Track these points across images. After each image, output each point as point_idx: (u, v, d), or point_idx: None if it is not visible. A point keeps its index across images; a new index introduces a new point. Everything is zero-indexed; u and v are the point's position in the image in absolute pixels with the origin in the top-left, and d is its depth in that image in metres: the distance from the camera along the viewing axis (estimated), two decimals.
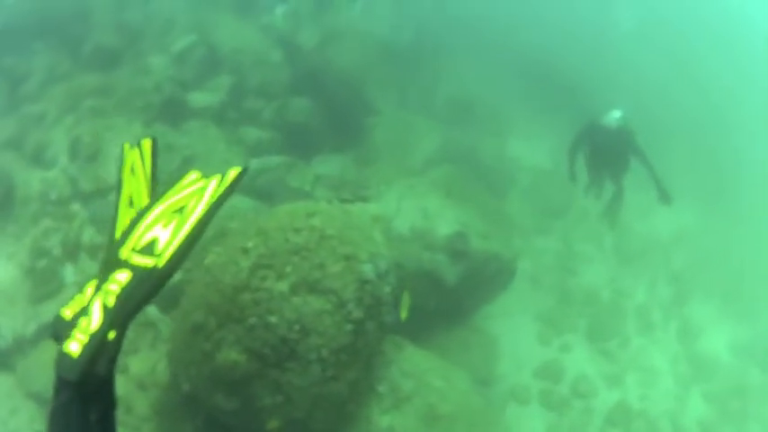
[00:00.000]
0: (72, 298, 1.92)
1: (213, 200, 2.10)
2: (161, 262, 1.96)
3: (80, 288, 1.93)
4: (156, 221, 2.09)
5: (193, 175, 2.25)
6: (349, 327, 7.24)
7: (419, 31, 18.52)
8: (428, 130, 14.80)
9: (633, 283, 14.49)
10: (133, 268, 1.97)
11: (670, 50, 19.44)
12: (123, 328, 1.90)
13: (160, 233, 2.05)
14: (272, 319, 7.01)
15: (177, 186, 2.21)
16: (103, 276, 1.98)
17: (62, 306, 1.92)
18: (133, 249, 2.04)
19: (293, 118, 13.09)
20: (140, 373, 8.34)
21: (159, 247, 2.00)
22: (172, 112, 12.35)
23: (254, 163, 11.86)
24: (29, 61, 12.62)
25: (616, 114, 10.77)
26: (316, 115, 13.42)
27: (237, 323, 7.10)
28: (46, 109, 11.91)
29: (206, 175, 2.24)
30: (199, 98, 12.89)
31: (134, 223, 2.12)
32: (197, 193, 2.15)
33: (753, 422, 12.73)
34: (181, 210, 2.10)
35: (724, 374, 13.47)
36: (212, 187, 2.15)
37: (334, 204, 9.84)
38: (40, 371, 9.18)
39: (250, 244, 7.54)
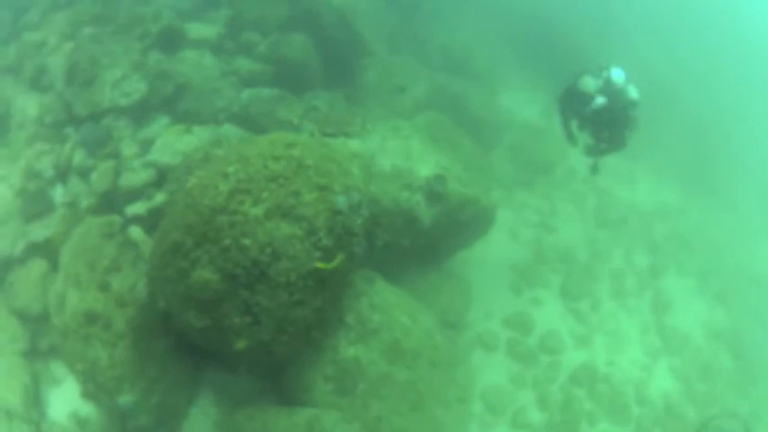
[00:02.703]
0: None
1: None
2: None
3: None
4: None
5: None
6: (318, 254, 7.54)
7: None
8: (419, 76, 14.82)
9: (610, 247, 14.57)
10: None
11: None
12: None
13: None
14: (246, 241, 7.32)
15: None
16: None
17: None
18: None
19: (288, 53, 13.19)
20: (121, 291, 8.59)
21: None
22: (169, 40, 12.48)
23: (246, 93, 12.07)
24: None
25: (590, 80, 10.02)
26: (310, 52, 13.52)
27: (213, 244, 7.40)
28: (46, 36, 12.06)
29: None
30: (197, 28, 13.03)
31: None
32: None
33: (716, 408, 12.75)
34: None
35: (694, 353, 13.58)
36: None
37: (316, 137, 10.08)
38: (26, 288, 9.52)
39: (230, 169, 7.83)
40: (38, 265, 9.66)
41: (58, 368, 9.22)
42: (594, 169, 10.74)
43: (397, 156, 10.75)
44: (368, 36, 15.06)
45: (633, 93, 9.89)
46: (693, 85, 18.71)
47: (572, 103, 10.23)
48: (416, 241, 10.49)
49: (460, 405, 9.46)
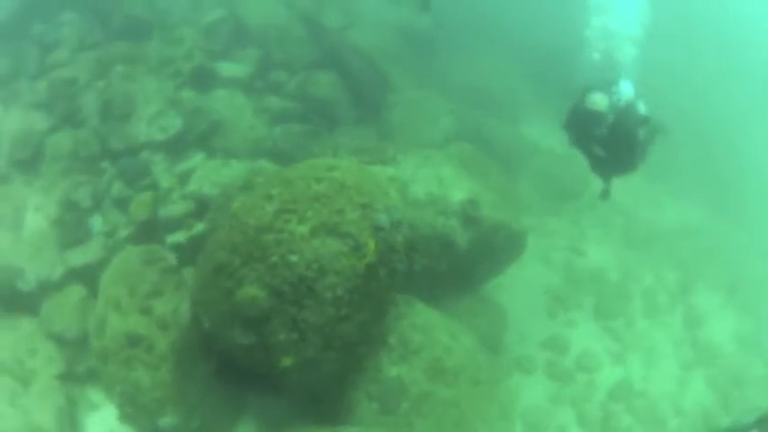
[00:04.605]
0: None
1: None
2: None
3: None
4: None
5: None
6: (362, 269, 7.68)
7: (437, 19, 18.90)
8: (444, 111, 15.11)
9: (640, 267, 14.63)
10: None
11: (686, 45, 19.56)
12: None
13: None
14: (293, 258, 7.47)
15: None
16: None
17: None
18: None
19: (316, 91, 13.54)
20: (163, 314, 8.75)
21: None
22: (201, 79, 12.80)
23: (279, 129, 12.38)
24: (58, 30, 12.96)
25: (601, 96, 8.78)
26: (337, 89, 13.87)
27: (259, 261, 7.55)
28: (77, 74, 12.28)
29: None
30: (227, 68, 13.37)
31: None
32: None
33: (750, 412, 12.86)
34: None
35: (727, 363, 13.62)
36: None
37: (354, 162, 10.28)
38: (64, 313, 9.62)
39: (275, 191, 8.02)
40: (76, 291, 9.80)
41: (95, 393, 9.32)
42: (605, 194, 9.92)
43: (429, 183, 10.95)
44: (392, 74, 15.39)
45: (642, 109, 8.98)
46: (707, 103, 18.82)
47: (582, 127, 9.01)
48: (453, 265, 10.62)
49: (502, 422, 9.46)
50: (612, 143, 8.94)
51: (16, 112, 11.66)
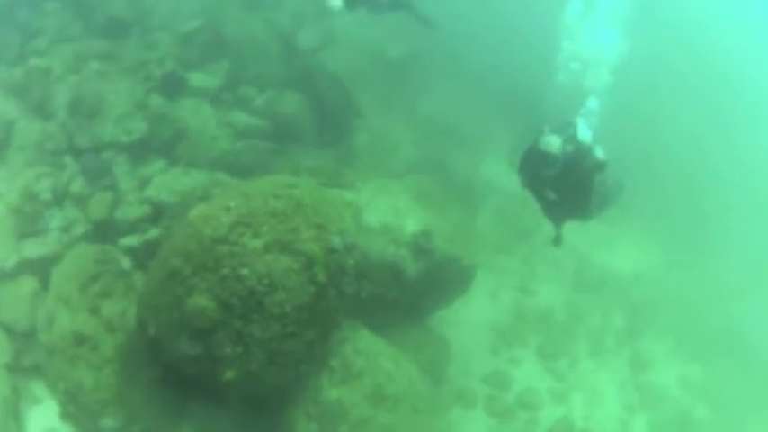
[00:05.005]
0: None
1: None
2: None
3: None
4: None
5: None
6: (312, 288, 7.78)
7: (410, 48, 19.10)
8: (407, 141, 15.36)
9: (589, 309, 14.81)
10: None
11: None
12: None
13: None
14: (244, 271, 7.54)
15: None
16: None
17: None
18: None
19: (282, 110, 13.65)
20: (111, 316, 8.75)
21: None
22: (171, 86, 12.86)
23: (242, 144, 12.49)
24: (41, 18, 13.05)
25: (554, 139, 8.74)
26: (303, 110, 14.00)
27: (211, 272, 7.61)
28: (52, 65, 12.36)
29: None
30: (198, 78, 13.44)
31: None
32: None
33: None
34: None
35: (671, 406, 13.77)
36: None
37: (313, 183, 10.40)
38: (15, 303, 9.62)
39: (232, 203, 8.08)
40: (28, 282, 9.80)
41: (38, 387, 9.26)
42: (558, 240, 9.97)
43: (384, 212, 11.09)
44: (359, 99, 15.56)
45: (599, 153, 8.91)
46: (669, 145, 19.11)
47: (534, 168, 8.99)
48: (401, 295, 10.74)
49: None
50: (564, 186, 8.94)
51: None
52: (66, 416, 8.65)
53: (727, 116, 21.21)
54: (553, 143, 8.67)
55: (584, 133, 8.93)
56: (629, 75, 12.03)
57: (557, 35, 12.82)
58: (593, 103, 9.68)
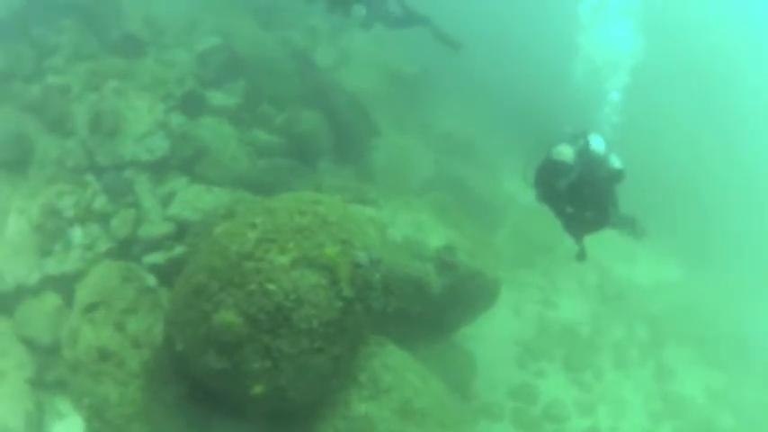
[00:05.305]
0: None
1: None
2: None
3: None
4: None
5: None
6: (340, 303, 7.75)
7: (426, 66, 19.21)
8: (426, 158, 15.43)
9: (612, 322, 14.96)
10: None
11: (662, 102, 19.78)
12: None
13: None
14: (271, 286, 7.51)
15: None
16: None
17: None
18: None
19: (301, 127, 13.69)
20: (137, 332, 8.75)
21: None
22: (191, 105, 12.93)
23: (263, 162, 12.50)
24: (57, 35, 13.06)
25: (566, 147, 8.77)
26: (322, 128, 14.04)
27: (238, 288, 7.58)
28: (70, 83, 12.38)
29: None
30: (217, 97, 13.54)
31: None
32: None
33: None
34: None
35: (696, 415, 13.87)
36: None
37: (338, 199, 10.40)
38: (38, 319, 9.59)
39: (258, 220, 8.07)
40: (51, 298, 9.78)
41: (62, 403, 9.20)
42: (581, 255, 9.73)
43: (407, 228, 11.16)
44: (378, 117, 15.61)
45: (616, 162, 8.83)
46: (684, 160, 19.11)
47: (548, 179, 8.98)
48: (426, 310, 10.80)
49: None
50: (580, 198, 8.90)
51: (8, 112, 11.68)
52: (90, 431, 8.62)
53: (729, 121, 21.26)
54: (565, 152, 8.70)
55: (597, 143, 8.88)
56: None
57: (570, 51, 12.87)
58: (615, 96, 9.56)
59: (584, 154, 8.76)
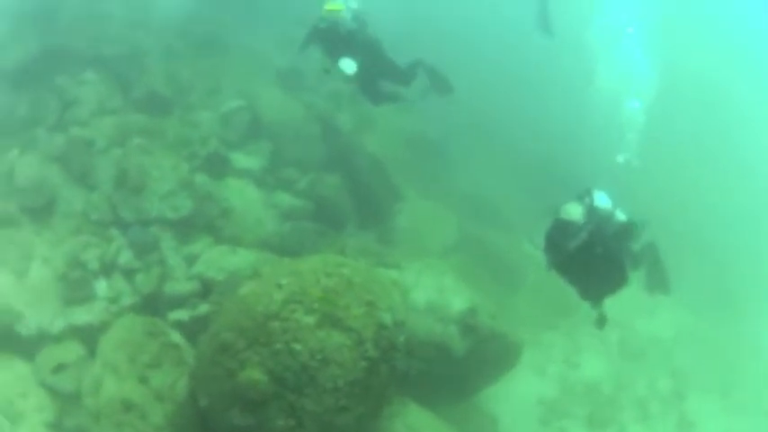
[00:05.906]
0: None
1: None
2: None
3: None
4: None
5: None
6: (364, 363, 7.79)
7: (444, 131, 19.46)
8: (448, 221, 15.53)
9: (634, 377, 14.98)
10: None
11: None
12: None
13: None
14: (297, 346, 7.58)
15: None
16: None
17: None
18: None
19: (324, 191, 13.89)
20: (160, 386, 8.80)
21: None
22: (215, 165, 13.17)
23: (288, 225, 12.69)
24: (79, 87, 13.41)
25: (575, 206, 8.44)
26: (345, 192, 14.24)
27: (264, 346, 7.65)
28: (95, 136, 12.68)
29: None
30: (241, 159, 13.86)
31: None
32: None
33: None
34: None
35: None
36: None
37: (362, 262, 10.52)
38: (60, 366, 9.71)
39: (284, 281, 8.18)
40: (75, 347, 9.93)
41: None
42: (601, 321, 9.05)
43: (430, 291, 11.24)
44: (399, 181, 15.80)
45: (621, 216, 8.60)
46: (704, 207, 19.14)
47: (558, 242, 8.54)
48: (448, 372, 10.80)
49: None
50: (592, 259, 8.38)
51: (32, 159, 11.96)
52: None
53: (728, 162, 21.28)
54: (573, 211, 8.38)
55: (601, 199, 8.60)
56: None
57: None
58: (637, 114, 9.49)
59: (592, 212, 8.42)
